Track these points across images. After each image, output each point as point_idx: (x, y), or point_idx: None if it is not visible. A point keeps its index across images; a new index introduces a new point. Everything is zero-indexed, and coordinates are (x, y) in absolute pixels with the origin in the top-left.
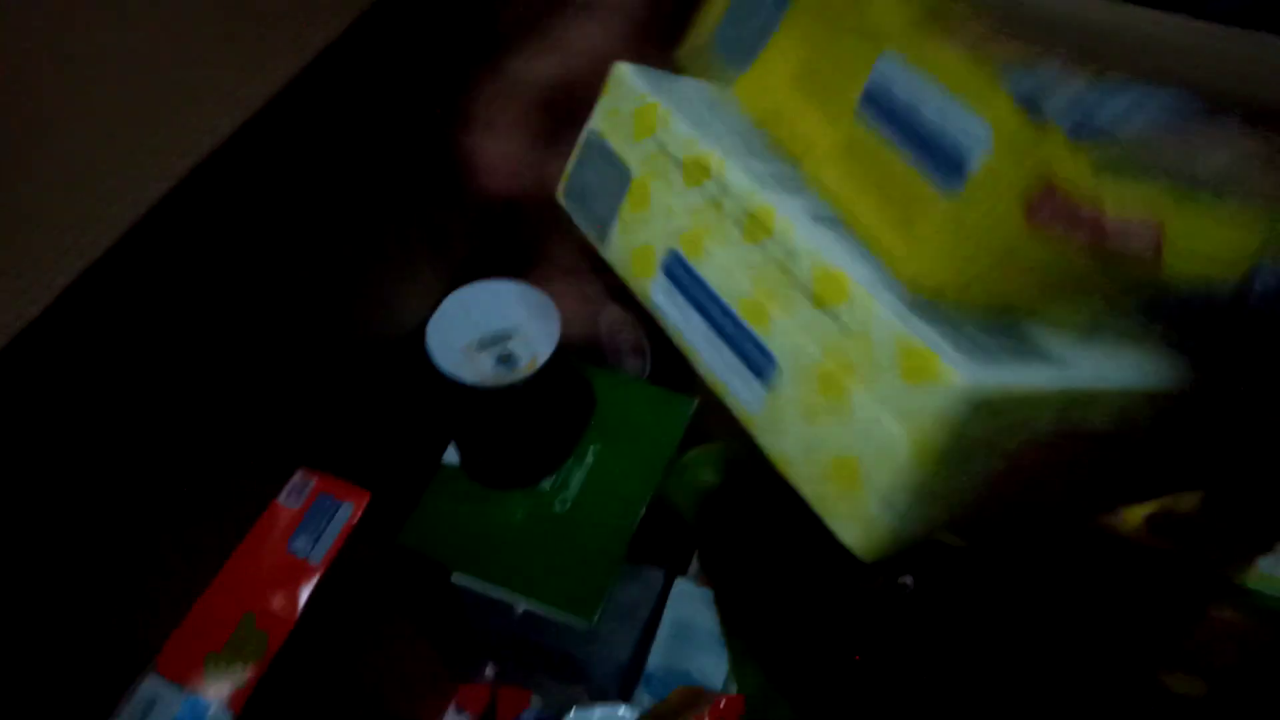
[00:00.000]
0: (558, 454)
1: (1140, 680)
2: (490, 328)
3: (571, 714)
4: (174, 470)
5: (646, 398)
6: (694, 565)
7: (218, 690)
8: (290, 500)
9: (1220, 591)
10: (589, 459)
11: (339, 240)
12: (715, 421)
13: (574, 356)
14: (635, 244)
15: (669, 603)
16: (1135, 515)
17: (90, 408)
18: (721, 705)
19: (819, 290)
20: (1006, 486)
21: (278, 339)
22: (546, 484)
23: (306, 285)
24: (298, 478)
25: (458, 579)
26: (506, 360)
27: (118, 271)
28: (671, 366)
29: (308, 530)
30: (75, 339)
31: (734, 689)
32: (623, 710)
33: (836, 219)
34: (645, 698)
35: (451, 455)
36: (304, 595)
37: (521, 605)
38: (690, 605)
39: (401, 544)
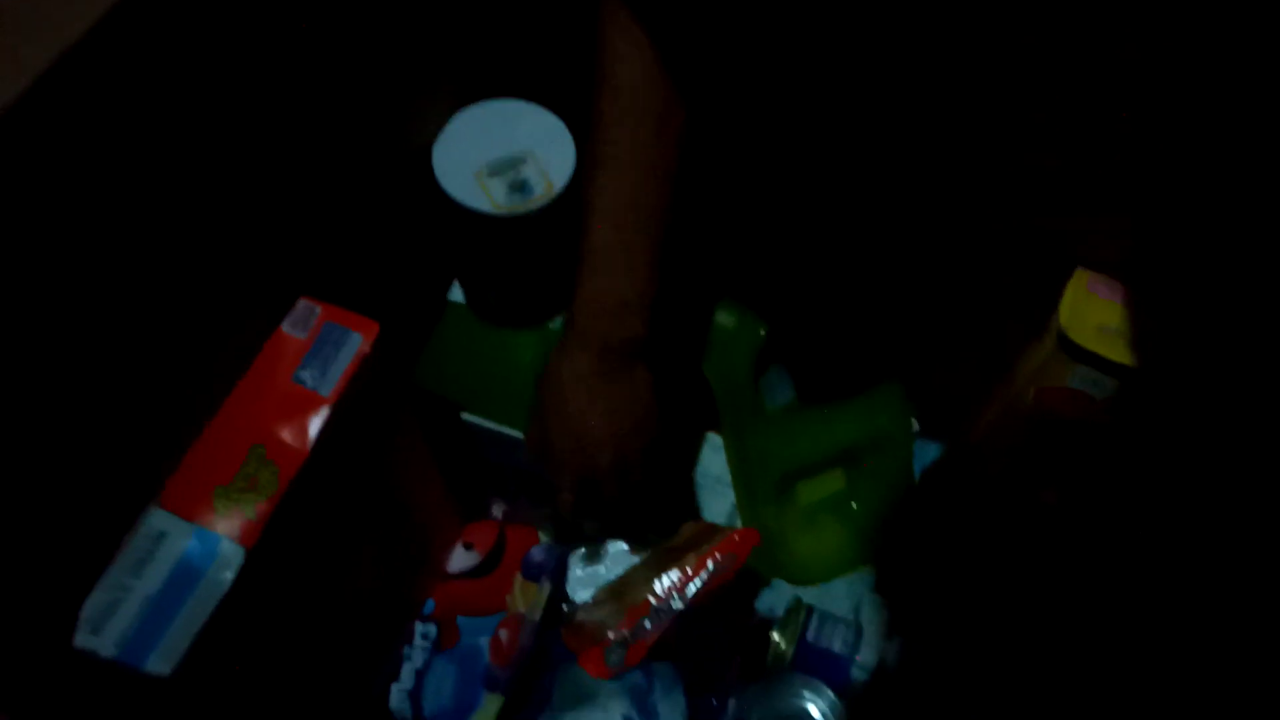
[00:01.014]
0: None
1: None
2: (502, 151)
3: (580, 550)
4: (172, 297)
5: None
6: None
7: (228, 524)
8: (296, 330)
9: None
10: None
11: (342, 51)
12: None
13: None
14: None
15: (702, 455)
16: None
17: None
18: (737, 538)
19: None
20: None
21: (276, 157)
22: (556, 323)
23: (308, 99)
24: (301, 307)
25: (467, 418)
26: (520, 188)
27: (107, 75)
28: None
29: (315, 361)
30: (64, 136)
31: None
32: (625, 546)
33: None
34: (652, 536)
35: (456, 294)
36: (314, 427)
37: None
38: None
39: (417, 381)
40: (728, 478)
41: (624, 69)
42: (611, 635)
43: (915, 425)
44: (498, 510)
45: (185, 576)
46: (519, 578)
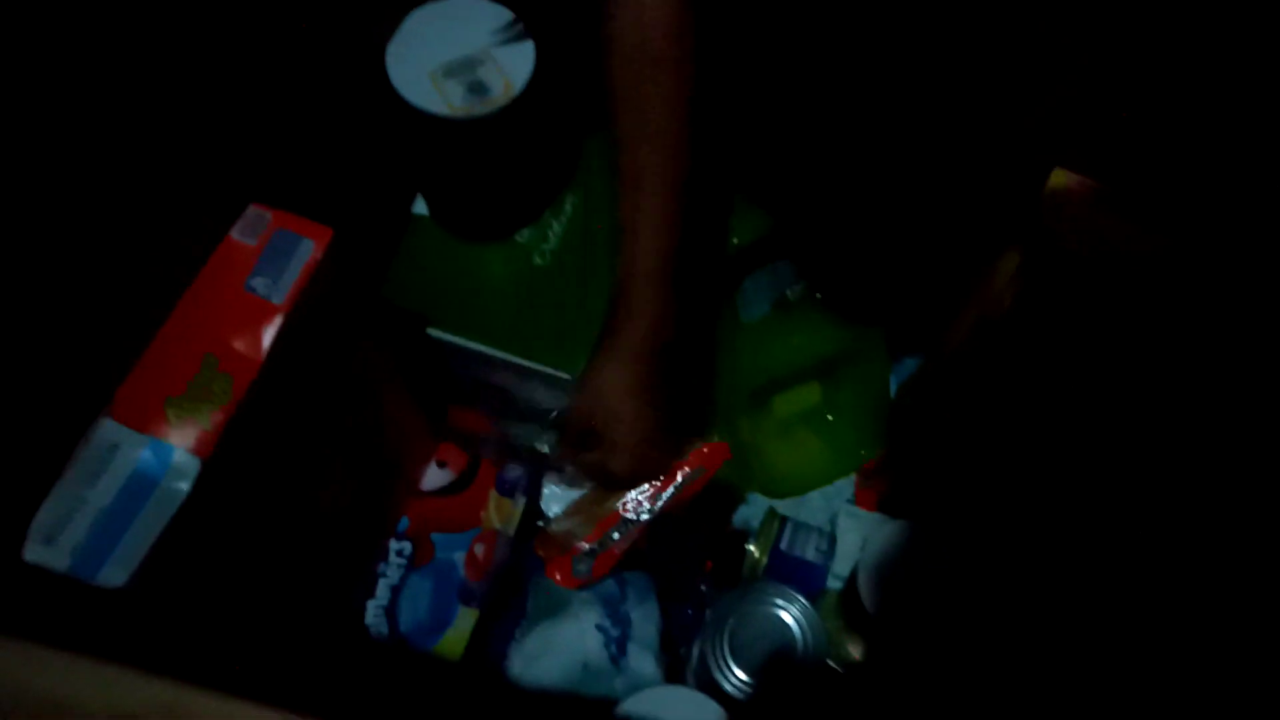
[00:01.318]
0: (536, 202)
1: None
2: (458, 51)
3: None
4: (115, 202)
5: None
6: None
7: (182, 435)
8: (245, 237)
9: None
10: (568, 210)
11: None
12: None
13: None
14: None
15: None
16: None
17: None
18: (706, 450)
19: None
20: None
21: (224, 56)
22: (524, 235)
23: None
24: (251, 213)
25: (435, 333)
26: (477, 89)
27: None
28: None
29: (266, 269)
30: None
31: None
32: None
33: None
34: None
35: (421, 206)
36: (268, 336)
37: (501, 358)
38: None
39: (384, 296)
40: None
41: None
42: (580, 546)
43: None
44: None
45: (139, 488)
46: (493, 494)
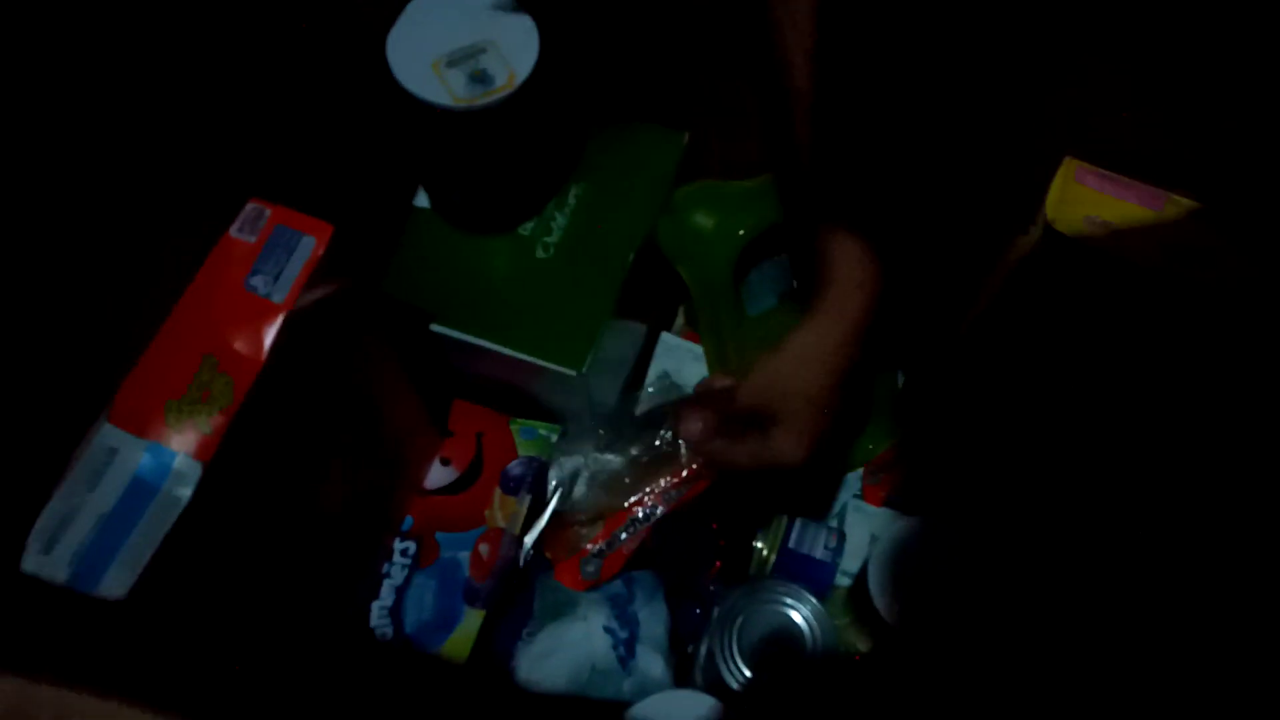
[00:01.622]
0: (540, 194)
1: None
2: (460, 40)
3: (561, 459)
4: (111, 200)
5: (634, 134)
6: (679, 320)
7: (182, 439)
8: (244, 234)
9: None
10: (571, 201)
11: None
12: (710, 157)
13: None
14: None
15: (655, 356)
16: None
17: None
18: None
19: None
20: None
21: (221, 48)
22: (527, 228)
23: None
24: (250, 209)
25: (438, 329)
26: (480, 78)
27: None
28: (658, 99)
29: (266, 266)
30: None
31: None
32: (610, 456)
33: None
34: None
35: (423, 198)
36: (269, 336)
37: (505, 353)
38: (675, 358)
39: (386, 290)
40: None
41: None
42: (588, 546)
43: None
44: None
45: (139, 494)
46: (498, 491)
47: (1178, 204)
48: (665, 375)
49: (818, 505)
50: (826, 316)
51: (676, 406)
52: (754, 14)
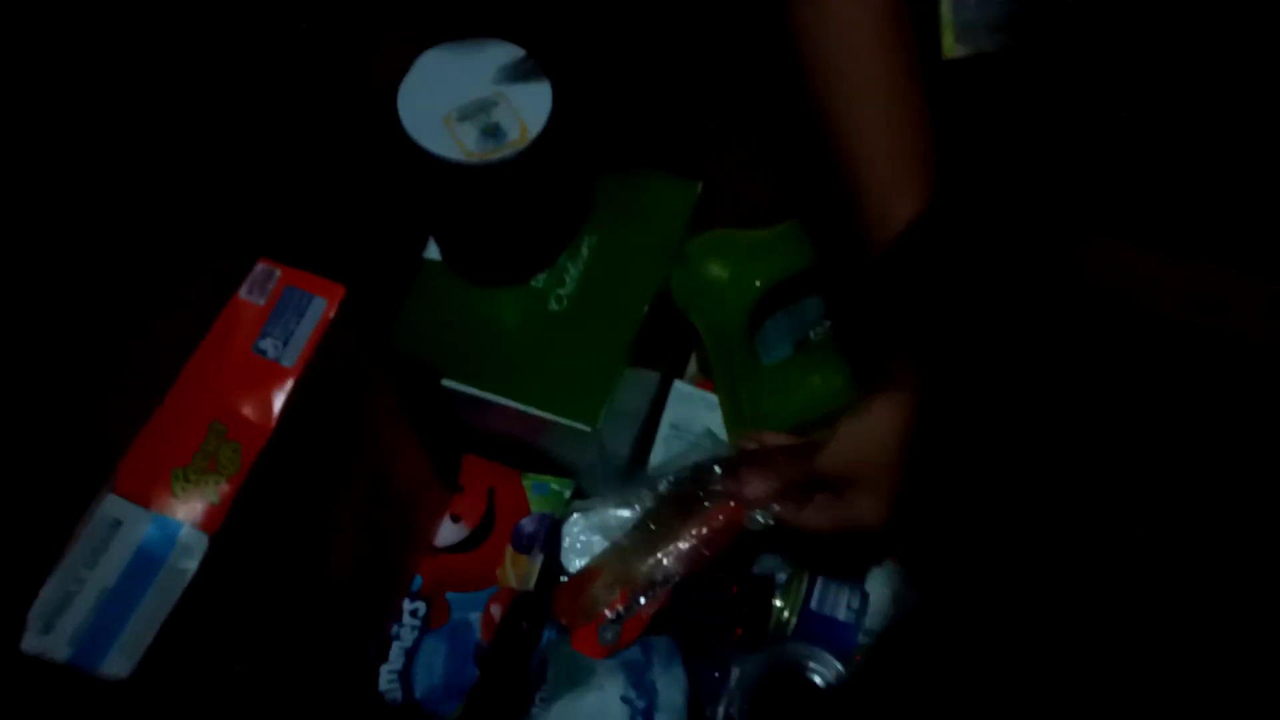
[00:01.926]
0: (552, 245)
1: None
2: (472, 94)
3: (574, 515)
4: (115, 264)
5: (646, 183)
6: (691, 367)
7: (188, 509)
8: (253, 296)
9: None
10: (584, 252)
11: None
12: (723, 206)
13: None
14: None
15: (667, 405)
16: None
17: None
18: (732, 504)
19: None
20: None
21: (229, 105)
22: (539, 280)
23: (262, 40)
24: (259, 270)
25: (449, 384)
26: (493, 132)
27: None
28: (670, 148)
29: (276, 329)
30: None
31: None
32: (625, 512)
33: None
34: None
35: (433, 251)
36: (279, 402)
37: (517, 409)
38: (688, 407)
39: (392, 347)
40: (722, 435)
41: None
42: (606, 612)
43: None
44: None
45: (143, 568)
46: (510, 550)
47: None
48: (678, 425)
49: (849, 566)
50: (904, 386)
51: (732, 465)
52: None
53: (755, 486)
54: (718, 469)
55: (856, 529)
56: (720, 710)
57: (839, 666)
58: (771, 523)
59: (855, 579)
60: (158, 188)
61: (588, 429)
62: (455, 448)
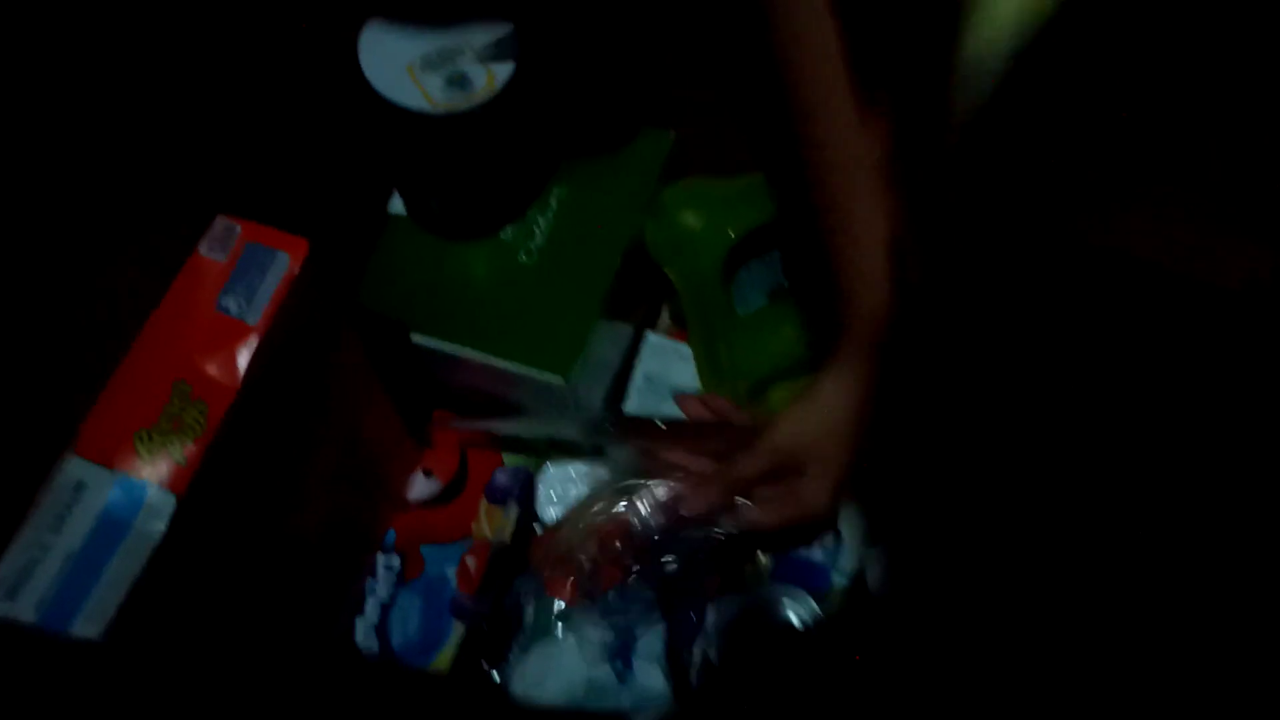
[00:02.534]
0: (521, 197)
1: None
2: (436, 43)
3: (549, 468)
4: (70, 221)
5: (618, 133)
6: (664, 318)
7: (154, 470)
8: (213, 253)
9: None
10: (554, 204)
11: None
12: (696, 155)
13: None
14: None
15: (640, 357)
16: None
17: None
18: None
19: None
20: None
21: (184, 54)
22: (508, 233)
23: None
24: (219, 226)
25: (418, 339)
26: (458, 82)
27: None
28: (642, 96)
29: (238, 286)
30: None
31: None
32: (600, 464)
33: None
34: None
35: (398, 205)
36: (244, 360)
37: (488, 363)
38: (662, 359)
39: (359, 303)
40: (696, 387)
41: None
42: (583, 560)
43: None
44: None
45: (110, 530)
46: (484, 503)
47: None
48: (651, 377)
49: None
50: (854, 368)
51: (679, 487)
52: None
53: (696, 503)
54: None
55: (806, 518)
56: (698, 653)
57: (815, 606)
58: (722, 536)
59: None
60: (111, 143)
61: (561, 381)
62: (426, 404)
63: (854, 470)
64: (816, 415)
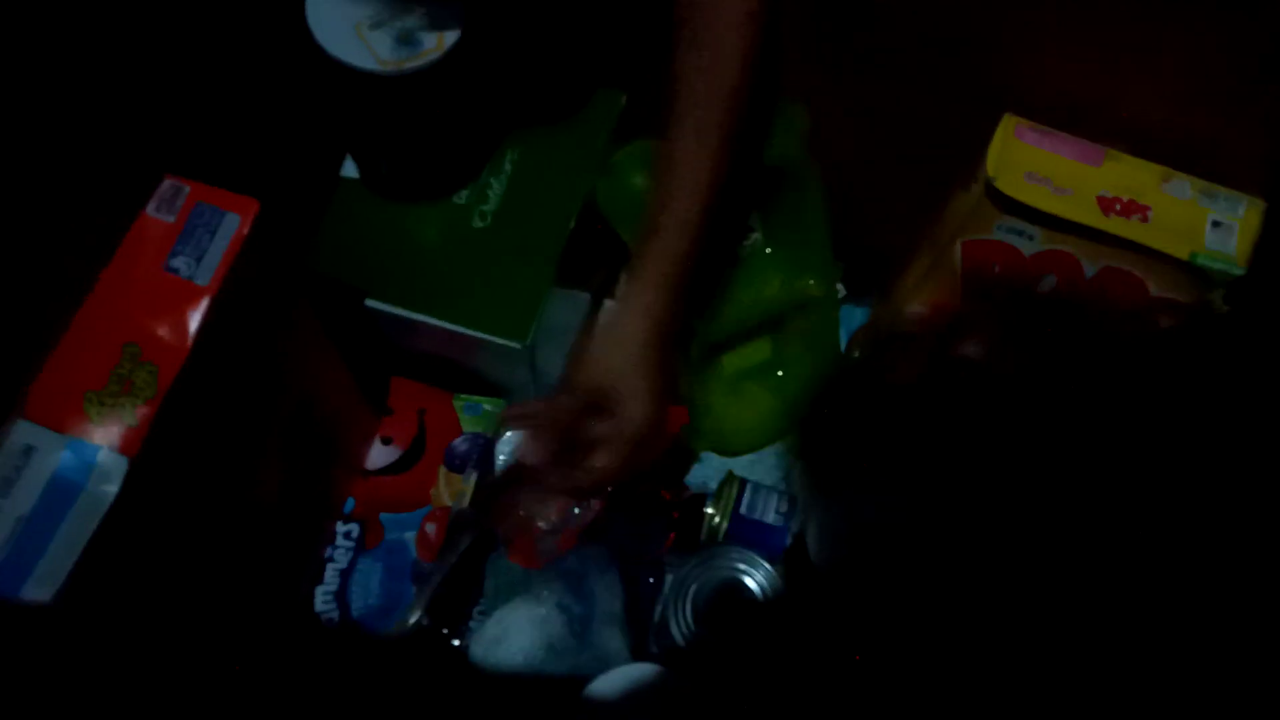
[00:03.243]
0: (474, 160)
1: None
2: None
3: (507, 434)
4: (13, 182)
5: (570, 95)
6: (621, 286)
7: (105, 433)
8: (161, 213)
9: None
10: (507, 167)
11: None
12: (649, 117)
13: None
14: None
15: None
16: None
17: None
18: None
19: None
20: None
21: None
22: (462, 197)
23: None
24: (166, 186)
25: (373, 304)
26: (407, 40)
27: None
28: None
29: (187, 247)
30: None
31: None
32: None
33: None
34: None
35: (350, 168)
36: (195, 321)
37: (443, 327)
38: None
39: (314, 266)
40: None
41: None
42: (541, 524)
43: (842, 290)
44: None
45: (61, 493)
46: (443, 470)
47: (1117, 158)
48: None
49: (768, 472)
50: (646, 296)
51: (512, 490)
52: None
53: (535, 449)
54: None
55: (637, 443)
56: (656, 614)
57: (769, 568)
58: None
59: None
60: (56, 103)
61: (518, 345)
62: (383, 370)
63: (666, 395)
64: (618, 349)
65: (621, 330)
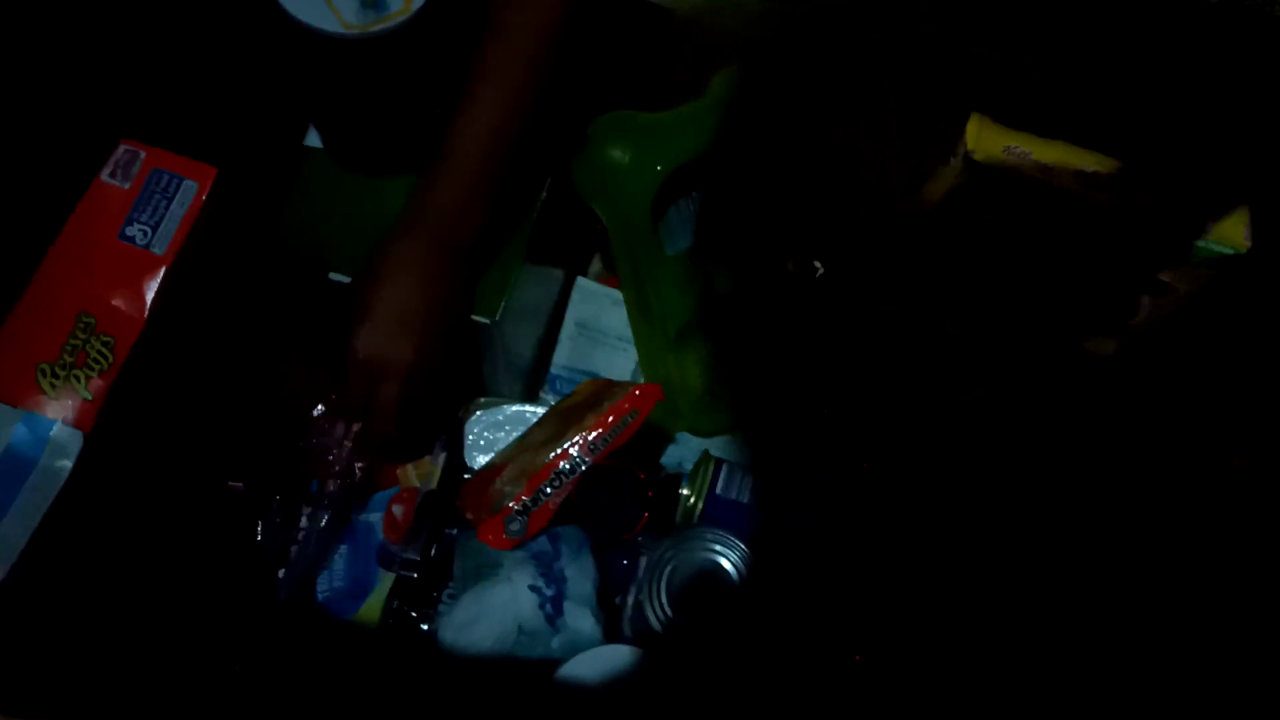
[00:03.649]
0: (441, 130)
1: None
2: None
3: (477, 413)
4: None
5: None
6: (595, 264)
7: (59, 406)
8: (116, 179)
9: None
10: None
11: None
12: (623, 87)
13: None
14: None
15: (571, 303)
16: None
17: None
18: (638, 393)
19: None
20: None
21: None
22: None
23: None
24: (122, 152)
25: (337, 278)
26: (374, 3)
27: None
28: None
29: (143, 215)
30: None
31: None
32: (528, 408)
33: None
34: (550, 397)
35: (314, 138)
36: (151, 291)
37: None
38: (593, 304)
39: (279, 238)
40: (629, 333)
41: None
42: (511, 504)
43: (820, 267)
44: None
45: (14, 468)
46: None
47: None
48: (583, 323)
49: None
50: (414, 262)
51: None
52: None
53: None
54: None
55: (408, 381)
56: (629, 596)
57: (745, 549)
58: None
59: None
60: (4, 63)
61: (487, 322)
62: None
63: (429, 372)
64: (383, 319)
65: (384, 304)
